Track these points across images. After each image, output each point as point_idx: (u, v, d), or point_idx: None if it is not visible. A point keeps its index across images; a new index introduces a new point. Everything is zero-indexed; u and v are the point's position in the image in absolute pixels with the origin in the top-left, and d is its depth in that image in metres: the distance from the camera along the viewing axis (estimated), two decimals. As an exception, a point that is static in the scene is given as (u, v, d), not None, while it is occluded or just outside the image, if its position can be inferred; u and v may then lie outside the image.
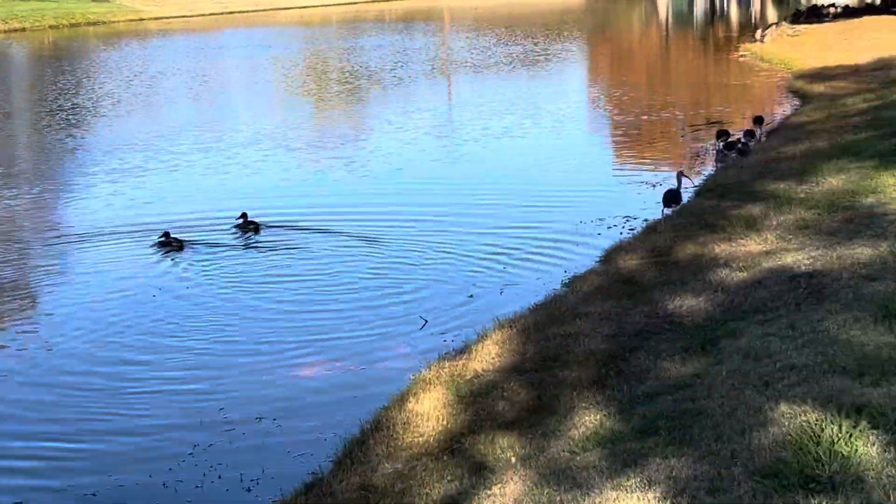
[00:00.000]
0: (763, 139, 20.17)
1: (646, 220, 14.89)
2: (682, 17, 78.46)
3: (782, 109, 25.40)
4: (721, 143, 18.59)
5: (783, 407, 6.50)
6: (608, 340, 9.39)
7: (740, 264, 10.89)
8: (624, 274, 11.67)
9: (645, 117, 26.06)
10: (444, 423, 8.15)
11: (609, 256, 12.70)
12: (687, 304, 9.97)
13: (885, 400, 6.22)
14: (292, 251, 14.66)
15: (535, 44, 50.62)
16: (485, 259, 13.83)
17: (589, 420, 7.49)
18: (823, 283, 9.35)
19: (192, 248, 14.91)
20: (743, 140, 19.13)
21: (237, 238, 15.45)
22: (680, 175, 15.07)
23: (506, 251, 14.09)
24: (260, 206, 16.75)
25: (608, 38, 58.75)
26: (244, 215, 15.75)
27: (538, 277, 12.70)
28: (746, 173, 16.56)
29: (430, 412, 8.31)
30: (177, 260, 14.42)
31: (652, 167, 19.25)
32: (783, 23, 50.32)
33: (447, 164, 20.71)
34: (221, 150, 22.84)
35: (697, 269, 11.27)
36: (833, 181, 13.91)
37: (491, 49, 48.30)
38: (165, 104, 33.27)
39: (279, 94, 35.14)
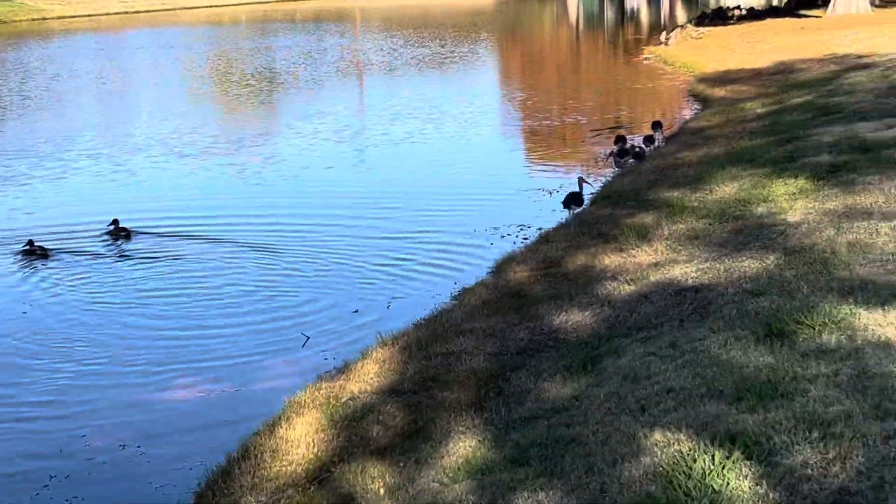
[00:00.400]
0: (662, 144, 20.08)
1: (540, 228, 14.66)
2: (593, 18, 78.81)
3: (683, 114, 25.39)
4: (615, 149, 18.47)
5: (657, 435, 6.25)
6: (491, 359, 9.10)
7: (629, 277, 10.69)
8: (513, 287, 11.40)
9: (548, 122, 25.89)
10: (315, 450, 7.79)
11: (500, 268, 12.44)
12: (573, 319, 9.72)
13: (759, 428, 5.99)
14: (171, 261, 14.17)
15: (443, 46, 50.41)
16: (376, 269, 13.50)
17: (463, 447, 7.19)
18: (709, 298, 9.16)
19: (61, 256, 14.35)
20: (640, 145, 19.05)
21: (108, 246, 14.90)
22: (581, 181, 14.92)
23: (398, 261, 13.77)
24: (145, 213, 16.25)
25: (517, 41, 58.78)
26: (115, 222, 15.24)
27: (428, 289, 12.39)
28: (642, 180, 16.41)
29: (301, 438, 7.94)
30: (41, 269, 13.85)
31: (551, 173, 19.05)
32: (688, 25, 50.68)
33: (344, 170, 20.33)
34: (112, 156, 22.20)
35: (586, 281, 11.05)
36: (726, 189, 13.80)
37: (398, 51, 48.05)
38: (59, 107, 32.36)
39: (177, 97, 34.25)
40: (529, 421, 7.35)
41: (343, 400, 8.54)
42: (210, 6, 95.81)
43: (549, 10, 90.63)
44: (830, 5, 42.94)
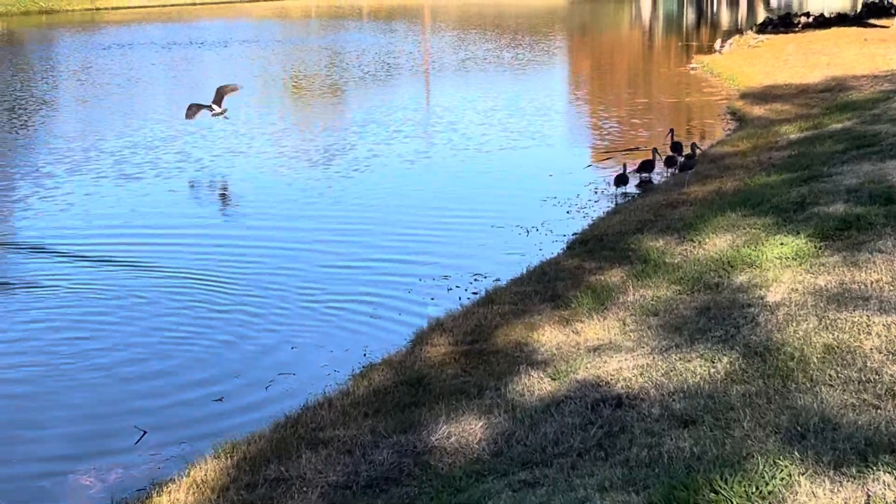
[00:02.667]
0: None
1: (497, 279, 12.43)
2: (672, 20, 75.78)
3: (714, 134, 22.92)
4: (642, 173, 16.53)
5: None
6: (329, 494, 6.87)
7: (557, 367, 8.45)
8: (418, 370, 9.16)
9: (562, 144, 23.22)
10: None
11: (421, 338, 10.18)
12: (460, 432, 7.46)
13: None
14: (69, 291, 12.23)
15: (507, 48, 48.05)
16: (289, 326, 11.34)
17: None
18: (626, 420, 6.87)
19: None
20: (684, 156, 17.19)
21: None
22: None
23: (314, 321, 11.56)
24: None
25: (578, 45, 55.90)
26: None
27: (329, 363, 10.17)
28: (632, 220, 14.16)
29: None
30: None
31: (538, 206, 16.57)
32: (749, 31, 47.94)
33: (321, 192, 18.06)
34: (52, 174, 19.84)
35: (506, 368, 8.82)
36: (717, 242, 11.47)
37: (458, 53, 45.73)
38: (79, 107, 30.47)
39: (155, 104, 30.82)
40: None
41: (108, 553, 6.35)
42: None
43: (624, 10, 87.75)
44: (899, 14, 39.85)
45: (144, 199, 17.59)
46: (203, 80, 35.41)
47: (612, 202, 16.17)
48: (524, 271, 12.32)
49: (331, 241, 14.59)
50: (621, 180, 16.64)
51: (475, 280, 12.61)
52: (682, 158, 17.63)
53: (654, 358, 8.08)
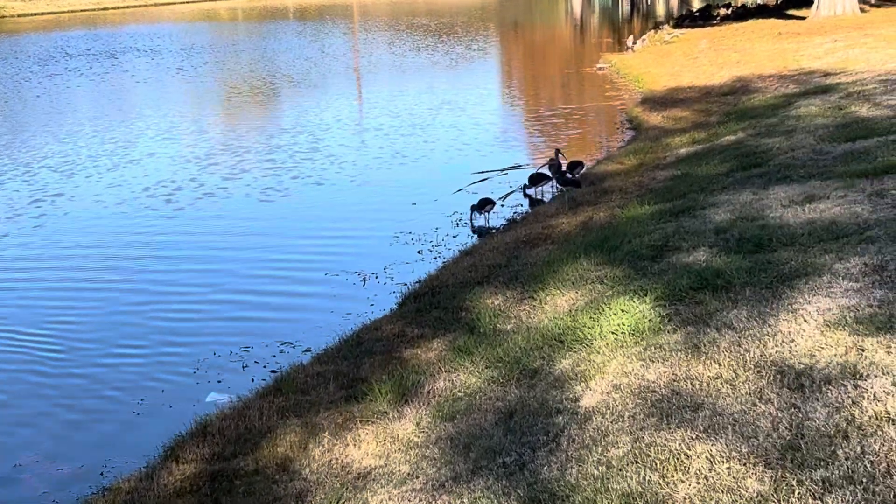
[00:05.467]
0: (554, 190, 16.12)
1: (306, 350, 10.48)
2: (607, 11, 74.09)
3: (607, 147, 21.08)
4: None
5: None
6: None
7: (308, 505, 6.51)
8: (145, 508, 7.14)
9: (436, 166, 20.58)
10: None
11: (173, 451, 8.16)
12: None
13: None
14: None
15: (424, 48, 46.01)
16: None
17: None
18: None
19: None
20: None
21: None
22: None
23: (52, 421, 9.56)
24: None
25: (503, 45, 53.78)
26: None
27: (46, 491, 8.11)
28: (483, 265, 12.27)
29: None
30: None
31: (388, 245, 14.54)
32: (665, 25, 46.37)
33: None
34: None
35: (250, 506, 6.85)
36: (558, 302, 9.65)
37: (381, 53, 43.58)
38: None
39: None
40: None
41: None
42: (185, 2, 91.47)
43: (559, 4, 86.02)
44: (814, 5, 38.20)
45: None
46: (60, 106, 32.89)
47: (470, 238, 14.23)
48: (337, 340, 10.35)
49: (116, 298, 12.49)
50: (482, 206, 14.96)
51: (281, 352, 10.60)
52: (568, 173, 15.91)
53: (420, 501, 6.16)
